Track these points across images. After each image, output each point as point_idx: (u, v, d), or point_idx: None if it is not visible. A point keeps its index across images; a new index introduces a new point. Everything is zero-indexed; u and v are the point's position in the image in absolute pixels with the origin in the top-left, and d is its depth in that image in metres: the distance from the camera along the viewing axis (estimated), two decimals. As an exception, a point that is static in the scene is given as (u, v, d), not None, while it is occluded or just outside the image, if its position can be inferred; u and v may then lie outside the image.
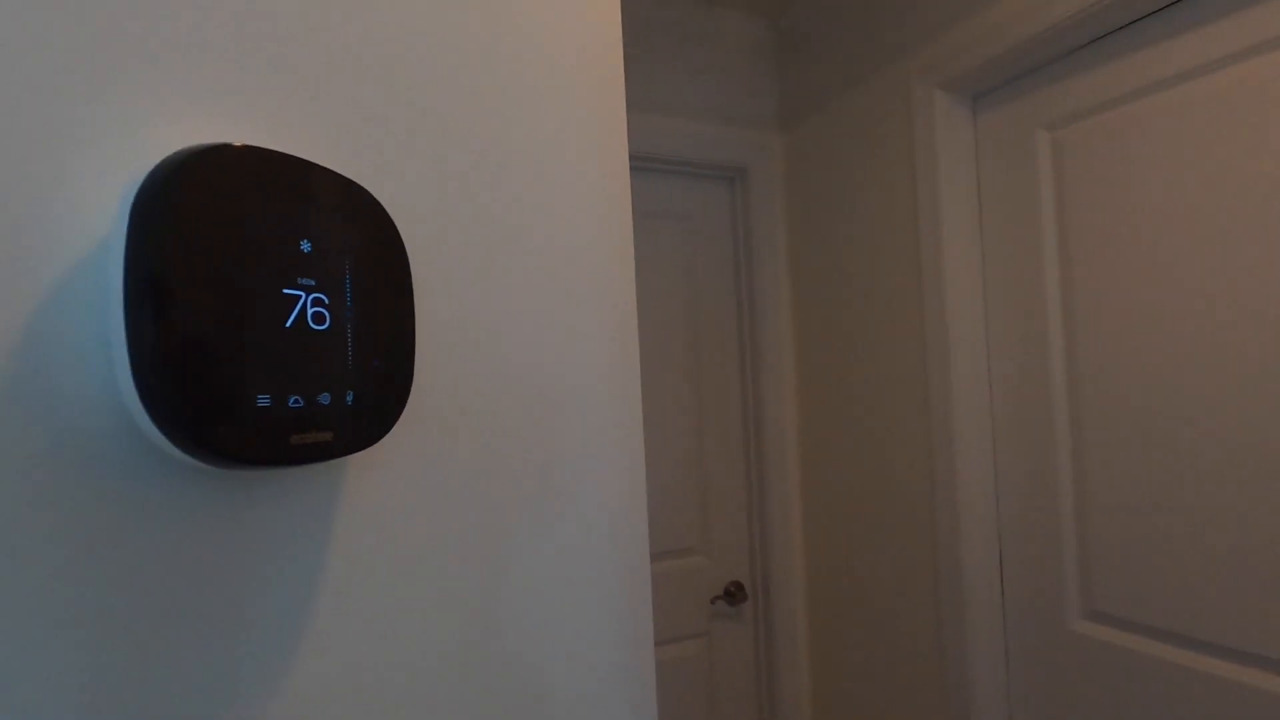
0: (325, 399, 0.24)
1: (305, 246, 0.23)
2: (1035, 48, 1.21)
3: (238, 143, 0.21)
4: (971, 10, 1.30)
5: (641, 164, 1.71)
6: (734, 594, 1.76)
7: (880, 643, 1.59)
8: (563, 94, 0.38)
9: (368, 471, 0.28)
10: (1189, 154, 1.05)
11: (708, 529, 1.78)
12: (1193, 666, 1.06)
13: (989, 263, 1.39)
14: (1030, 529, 1.31)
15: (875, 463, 1.58)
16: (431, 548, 0.31)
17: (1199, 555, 1.05)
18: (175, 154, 0.20)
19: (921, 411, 1.45)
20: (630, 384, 0.43)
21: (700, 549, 1.77)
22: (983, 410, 1.38)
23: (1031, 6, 1.18)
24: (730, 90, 1.81)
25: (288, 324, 0.22)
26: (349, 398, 0.24)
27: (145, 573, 0.21)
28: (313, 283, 0.24)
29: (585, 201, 0.39)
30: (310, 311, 0.23)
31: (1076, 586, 1.24)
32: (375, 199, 0.26)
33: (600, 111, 0.41)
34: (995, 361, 1.38)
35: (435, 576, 0.30)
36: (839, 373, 1.69)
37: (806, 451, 1.80)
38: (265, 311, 0.22)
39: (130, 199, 0.19)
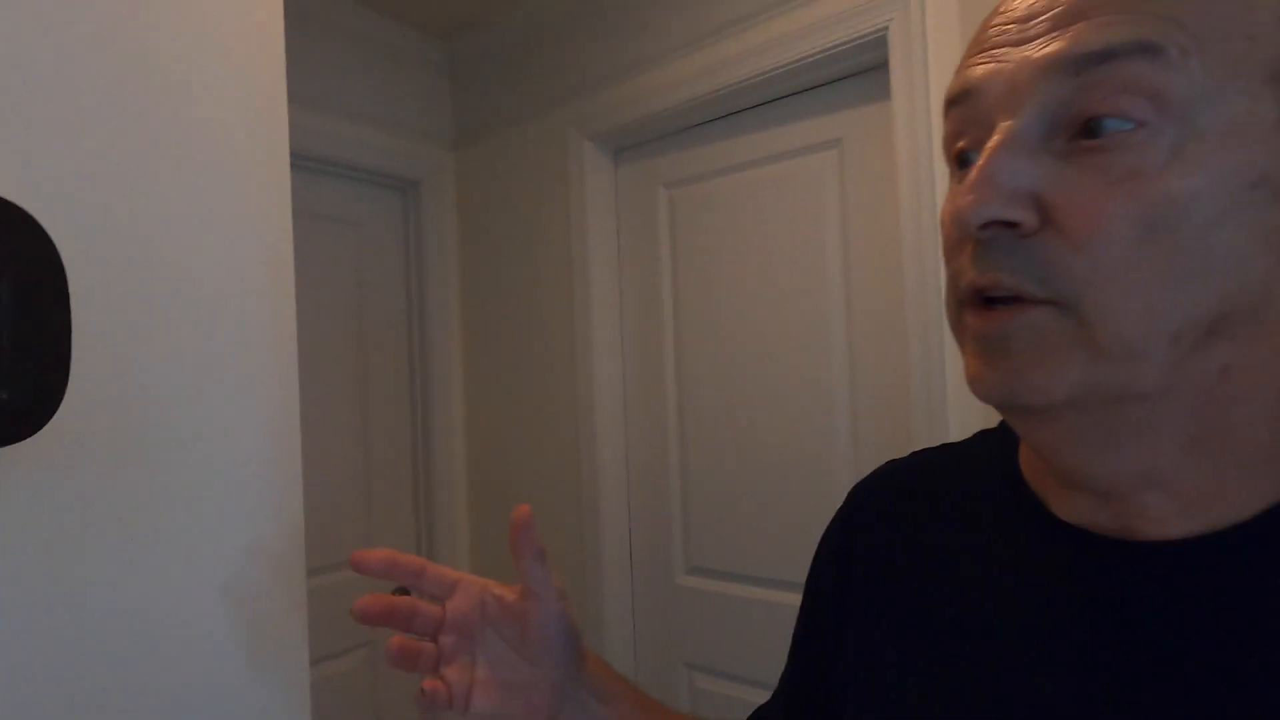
0: (-16, 395, 0.26)
1: None
2: (658, 123, 1.52)
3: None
4: (616, 80, 1.57)
5: (312, 165, 1.64)
6: (399, 599, 1.78)
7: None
8: (221, 104, 0.43)
9: (16, 466, 0.30)
10: (749, 220, 1.44)
11: (371, 539, 1.76)
12: (752, 597, 1.44)
13: (625, 287, 1.67)
14: (651, 506, 1.62)
15: (534, 461, 1.76)
16: (63, 544, 0.33)
17: (755, 516, 1.44)
18: None
19: (570, 416, 1.67)
20: (288, 407, 0.48)
21: (364, 558, 1.75)
22: (619, 413, 1.66)
23: (657, 89, 1.48)
24: (407, 104, 1.84)
25: None
26: (6, 393, 0.27)
27: None
28: None
29: (242, 209, 0.44)
30: (-30, 316, 0.26)
31: (681, 549, 1.57)
32: (34, 219, 0.29)
33: (261, 123, 0.46)
34: (628, 367, 1.67)
35: (61, 575, 0.33)
36: (502, 380, 1.84)
37: (473, 456, 1.91)
38: None
39: None
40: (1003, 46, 0.30)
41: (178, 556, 0.38)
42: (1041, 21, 0.29)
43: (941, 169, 1.12)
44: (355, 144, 1.71)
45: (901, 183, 1.17)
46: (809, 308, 1.37)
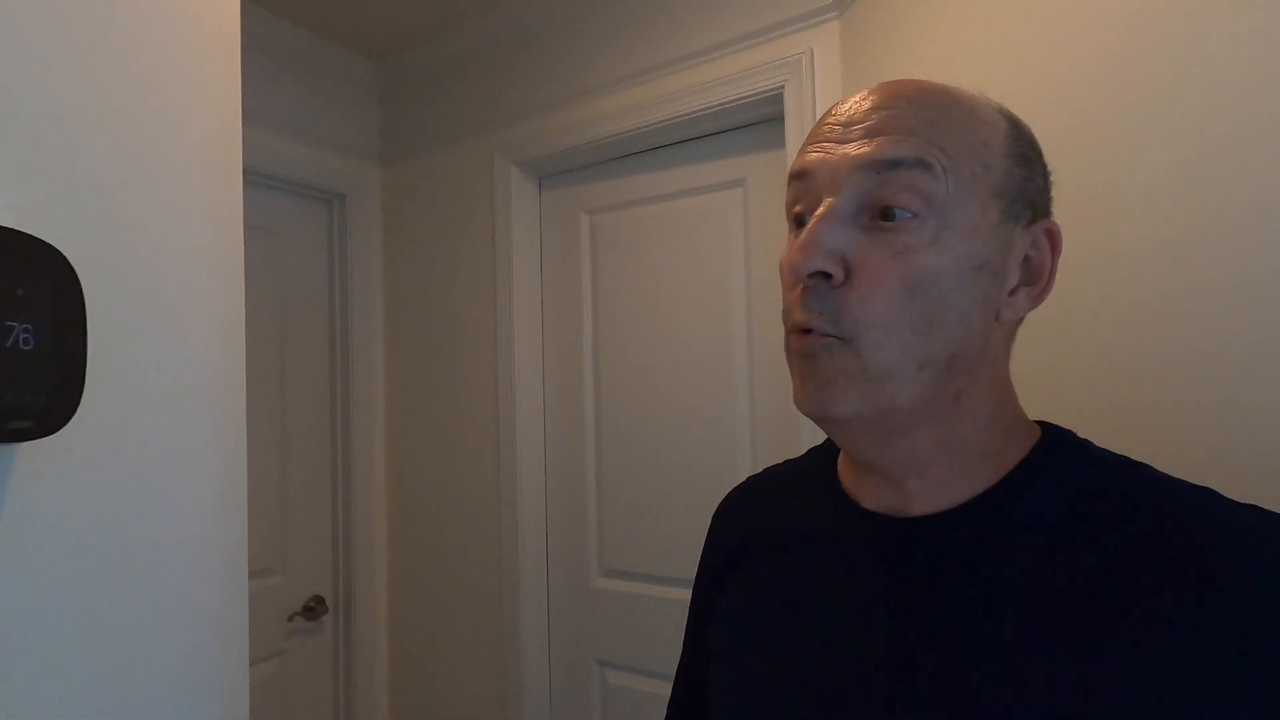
0: (26, 397, 0.34)
1: (20, 293, 0.33)
2: (580, 154, 1.62)
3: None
4: (541, 111, 1.67)
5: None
6: (313, 608, 1.79)
7: (453, 620, 1.82)
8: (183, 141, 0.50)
9: (50, 455, 0.37)
10: (664, 246, 1.57)
11: (285, 547, 1.77)
12: (662, 595, 1.55)
13: (546, 304, 1.76)
14: (567, 514, 1.70)
15: (453, 471, 1.82)
16: (68, 519, 0.40)
17: (665, 520, 1.55)
18: None
19: (492, 427, 1.74)
20: (235, 403, 0.55)
21: (278, 568, 1.75)
22: (538, 425, 1.74)
23: (581, 122, 1.59)
24: (335, 119, 1.87)
25: (6, 346, 0.32)
26: (42, 397, 0.35)
27: None
28: (23, 318, 0.33)
29: (198, 218, 0.51)
30: (20, 337, 0.33)
31: (597, 552, 1.66)
32: (64, 257, 0.36)
33: (220, 154, 0.53)
34: (549, 382, 1.75)
35: (68, 541, 0.39)
36: (425, 391, 1.88)
37: (393, 466, 1.94)
38: None
39: None
40: (830, 142, 0.42)
41: (151, 528, 0.45)
42: (857, 129, 0.42)
43: (827, 212, 1.28)
44: (280, 156, 1.73)
45: (795, 221, 1.33)
46: (715, 328, 1.50)
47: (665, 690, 1.52)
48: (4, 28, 0.37)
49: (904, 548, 0.44)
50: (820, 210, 0.41)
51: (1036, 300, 0.43)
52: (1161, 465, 0.43)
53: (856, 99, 0.43)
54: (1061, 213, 0.49)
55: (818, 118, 1.28)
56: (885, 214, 0.40)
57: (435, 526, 1.86)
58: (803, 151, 0.44)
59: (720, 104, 1.40)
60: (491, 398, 1.75)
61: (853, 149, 0.41)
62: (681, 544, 1.53)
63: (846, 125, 0.42)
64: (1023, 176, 0.42)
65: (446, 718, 1.82)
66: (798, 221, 0.44)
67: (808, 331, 0.42)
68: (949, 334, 0.40)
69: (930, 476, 0.44)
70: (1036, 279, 0.43)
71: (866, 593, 0.44)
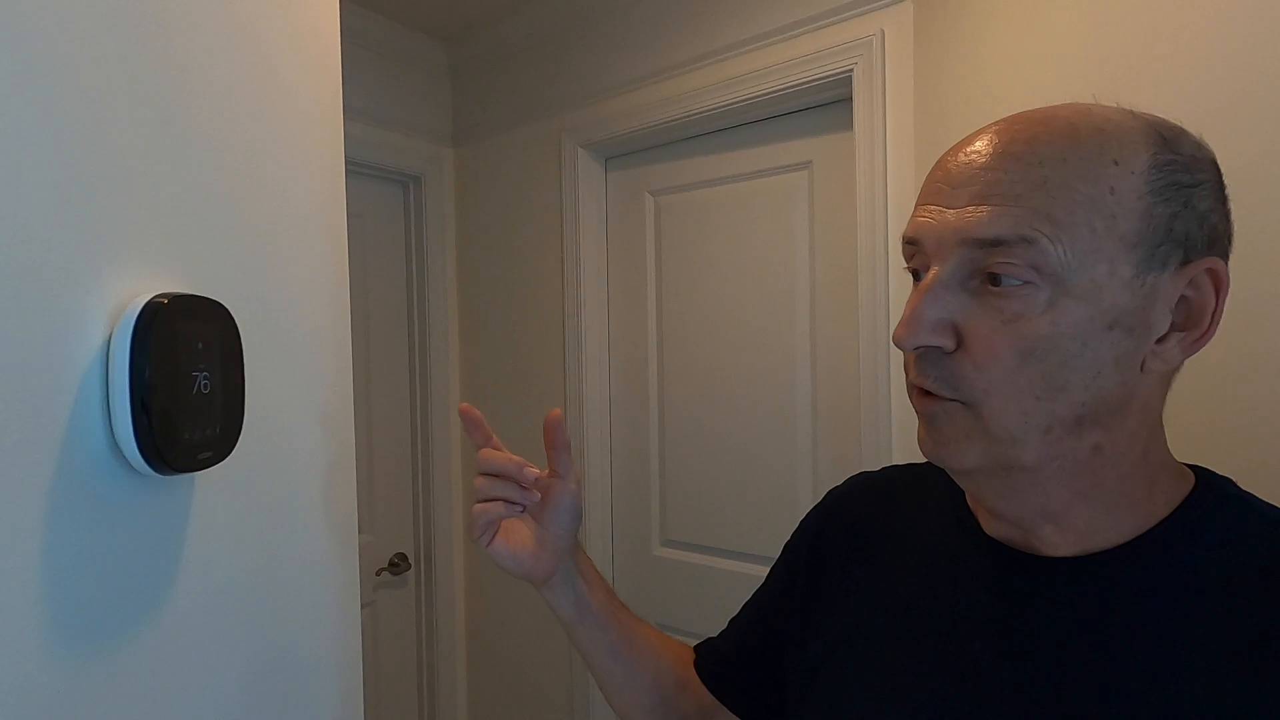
0: (208, 432, 0.41)
1: (200, 346, 0.40)
2: (646, 136, 1.65)
3: (174, 291, 0.38)
4: (608, 93, 1.69)
5: (315, 159, 1.75)
6: (398, 564, 1.94)
7: (523, 586, 1.94)
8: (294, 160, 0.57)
9: (223, 479, 0.45)
10: (728, 229, 1.59)
11: (372, 509, 1.92)
12: (719, 567, 1.61)
13: (612, 282, 1.81)
14: (632, 485, 1.78)
15: (524, 441, 1.91)
16: (234, 515, 0.48)
17: (724, 497, 1.61)
18: (151, 299, 0.37)
19: (560, 401, 1.82)
20: (346, 417, 0.62)
21: (365, 528, 1.90)
22: (604, 401, 1.81)
23: (646, 105, 1.61)
24: (409, 102, 1.94)
25: (194, 392, 0.39)
26: (218, 429, 0.42)
27: (127, 524, 0.37)
28: (203, 366, 0.40)
29: (306, 212, 0.58)
30: (202, 383, 0.40)
31: (658, 524, 1.74)
32: (228, 311, 0.43)
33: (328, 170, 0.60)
34: (614, 359, 1.82)
35: (231, 535, 0.48)
36: (496, 365, 1.98)
37: (467, 436, 2.05)
38: (185, 386, 0.39)
39: (130, 327, 0.35)
40: (937, 206, 0.41)
41: (288, 517, 0.53)
42: (963, 192, 0.40)
43: (893, 193, 1.28)
44: (362, 141, 1.82)
45: (860, 203, 1.33)
46: (778, 308, 1.52)
47: (723, 654, 1.60)
48: (180, 119, 0.43)
49: (1035, 587, 0.43)
50: (926, 280, 0.41)
51: (1194, 347, 0.40)
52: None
53: (969, 148, 0.42)
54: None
55: (887, 101, 1.27)
56: (994, 280, 0.39)
57: (507, 492, 1.97)
58: (914, 214, 0.44)
59: (788, 87, 1.39)
60: (559, 373, 1.83)
61: (956, 217, 0.40)
62: (737, 521, 1.59)
63: (955, 186, 0.41)
64: (1169, 214, 0.38)
65: (518, 666, 1.97)
66: (914, 276, 0.44)
67: (929, 394, 0.42)
68: (1074, 396, 0.39)
69: (1066, 524, 0.43)
70: (1195, 324, 0.40)
71: (989, 628, 0.44)
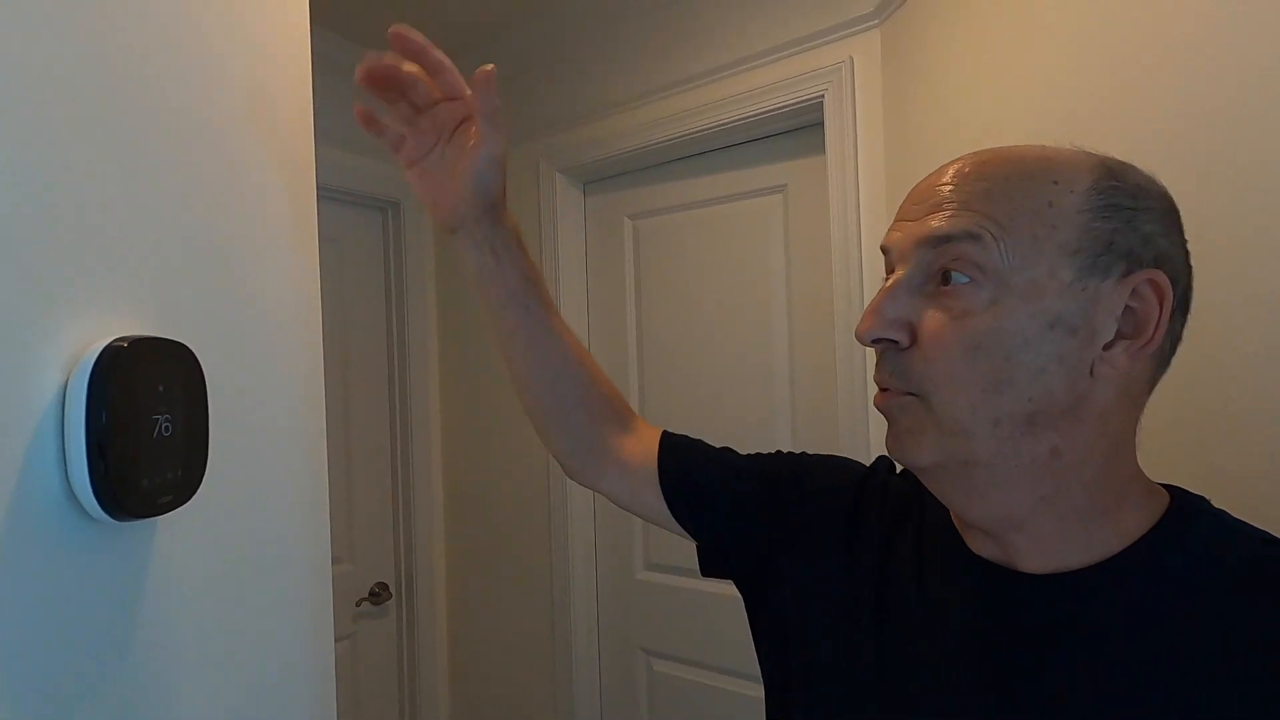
0: (170, 475, 0.40)
1: (161, 388, 0.40)
2: (624, 161, 1.66)
3: (133, 335, 0.37)
4: (585, 119, 1.71)
5: (291, 186, 1.74)
6: (379, 594, 1.91)
7: (507, 606, 1.92)
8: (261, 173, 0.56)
9: (185, 523, 0.44)
10: (706, 251, 1.60)
11: (351, 538, 1.88)
12: (702, 589, 1.60)
13: (593, 307, 1.82)
14: (614, 508, 1.77)
15: (505, 467, 1.90)
16: (198, 559, 0.47)
17: (707, 516, 1.60)
18: (110, 344, 0.36)
19: (542, 423, 1.82)
20: (315, 410, 0.61)
21: (345, 557, 1.87)
22: (586, 421, 1.80)
23: (624, 130, 1.63)
24: (384, 128, 1.94)
25: (154, 436, 0.39)
26: (179, 473, 0.41)
27: (84, 572, 0.36)
28: (164, 409, 0.40)
29: (276, 241, 0.58)
30: (163, 426, 0.40)
31: (641, 547, 1.73)
32: (192, 353, 0.43)
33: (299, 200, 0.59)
34: (595, 384, 1.81)
35: (196, 579, 0.47)
36: (477, 390, 1.97)
37: (449, 463, 2.04)
38: (145, 429, 0.38)
39: (87, 371, 0.35)
40: (906, 220, 0.46)
41: (254, 553, 0.52)
42: (924, 206, 0.45)
43: (865, 214, 1.30)
44: (337, 167, 1.82)
45: (833, 224, 1.35)
46: (756, 328, 1.53)
47: (706, 678, 1.59)
48: (141, 150, 0.43)
49: (1013, 604, 0.45)
50: (888, 282, 0.46)
51: (1140, 353, 0.41)
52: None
53: (935, 175, 0.46)
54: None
55: (857, 125, 1.29)
56: (945, 279, 0.43)
57: (489, 519, 1.95)
58: (890, 230, 0.48)
59: (761, 112, 1.41)
60: (540, 397, 1.82)
61: (916, 225, 0.45)
62: (724, 540, 1.58)
63: (918, 203, 0.46)
64: (1109, 229, 0.41)
65: (502, 695, 1.94)
66: None
67: (887, 390, 0.46)
68: (1020, 391, 0.41)
69: (1034, 533, 0.44)
70: (1140, 332, 0.41)
71: (970, 642, 0.46)
